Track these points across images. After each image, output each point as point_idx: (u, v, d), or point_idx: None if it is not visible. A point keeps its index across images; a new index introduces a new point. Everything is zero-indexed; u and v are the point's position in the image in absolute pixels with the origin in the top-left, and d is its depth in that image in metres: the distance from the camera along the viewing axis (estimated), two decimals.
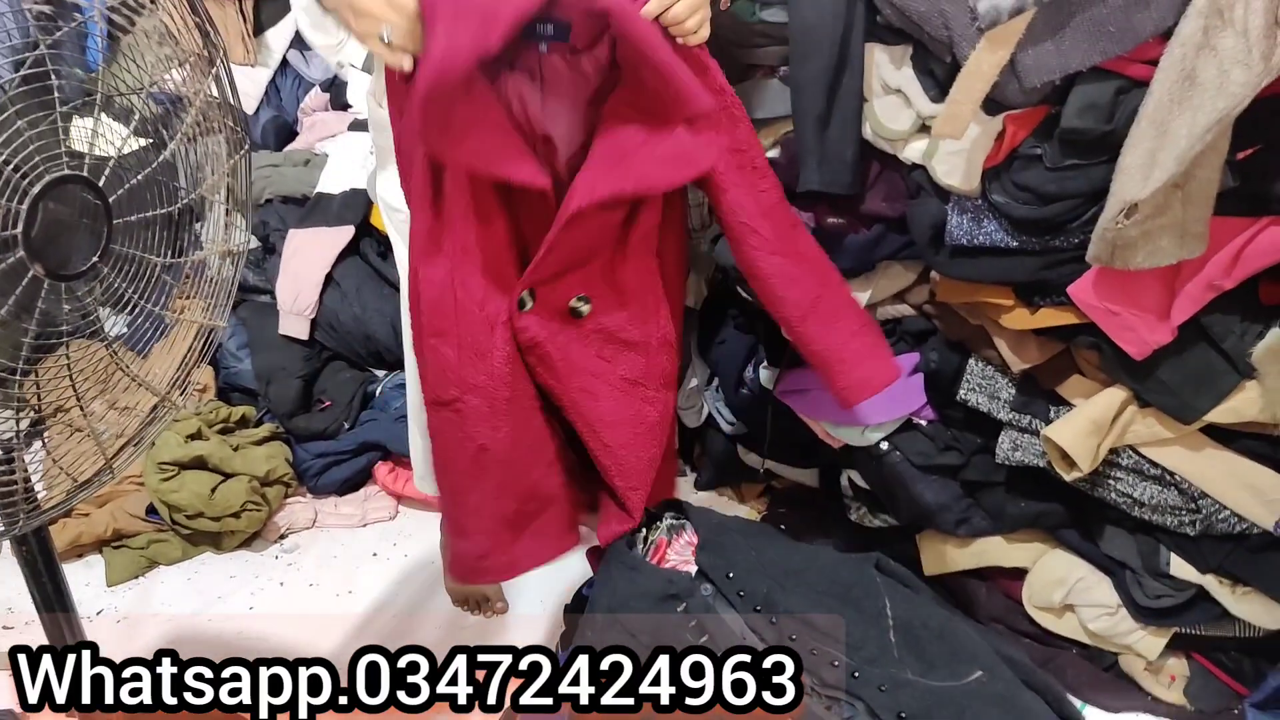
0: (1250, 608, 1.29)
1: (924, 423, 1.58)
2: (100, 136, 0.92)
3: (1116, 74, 1.13)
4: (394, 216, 1.46)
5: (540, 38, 1.03)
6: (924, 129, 1.37)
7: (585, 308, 1.14)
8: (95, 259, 0.92)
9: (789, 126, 1.50)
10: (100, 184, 0.91)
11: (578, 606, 1.27)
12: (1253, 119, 1.03)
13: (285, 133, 2.51)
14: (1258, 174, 1.09)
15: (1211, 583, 1.30)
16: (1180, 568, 1.31)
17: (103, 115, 0.93)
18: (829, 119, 1.41)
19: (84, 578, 1.80)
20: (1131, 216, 1.06)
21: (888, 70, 1.38)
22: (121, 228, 0.95)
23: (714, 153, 1.10)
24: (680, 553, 1.14)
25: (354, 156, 2.19)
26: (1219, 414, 1.20)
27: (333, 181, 2.17)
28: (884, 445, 1.61)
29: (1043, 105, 1.21)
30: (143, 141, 1.00)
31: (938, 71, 1.31)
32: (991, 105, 1.24)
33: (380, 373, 2.15)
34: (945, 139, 1.29)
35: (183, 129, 1.00)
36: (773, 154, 1.57)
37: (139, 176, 0.96)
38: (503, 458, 1.13)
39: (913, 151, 1.38)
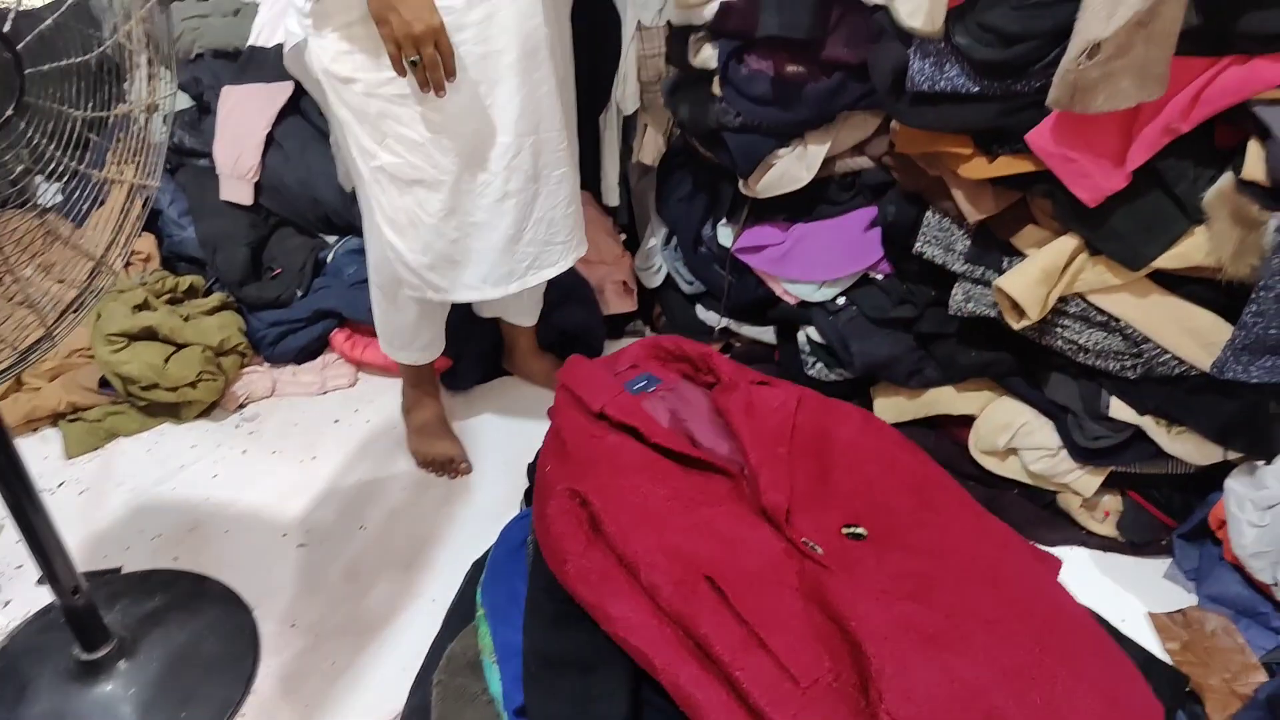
0: (1184, 446, 1.35)
1: (880, 277, 1.59)
2: None
3: None
4: (342, 90, 1.32)
5: None
6: None
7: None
8: (10, 112, 0.86)
9: None
10: (4, 30, 0.84)
11: None
12: None
13: None
14: (1221, 11, 1.07)
15: (1149, 423, 1.36)
16: (1120, 410, 1.36)
17: None
18: None
19: (41, 452, 1.79)
20: (1094, 57, 1.04)
21: None
22: (36, 79, 0.88)
23: None
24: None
25: (286, 4, 2.05)
26: (1167, 259, 1.21)
27: (266, 33, 2.04)
28: (840, 300, 1.63)
29: None
30: None
31: None
32: None
33: (331, 238, 2.10)
34: None
35: None
36: None
37: (48, 22, 0.89)
38: None
39: None
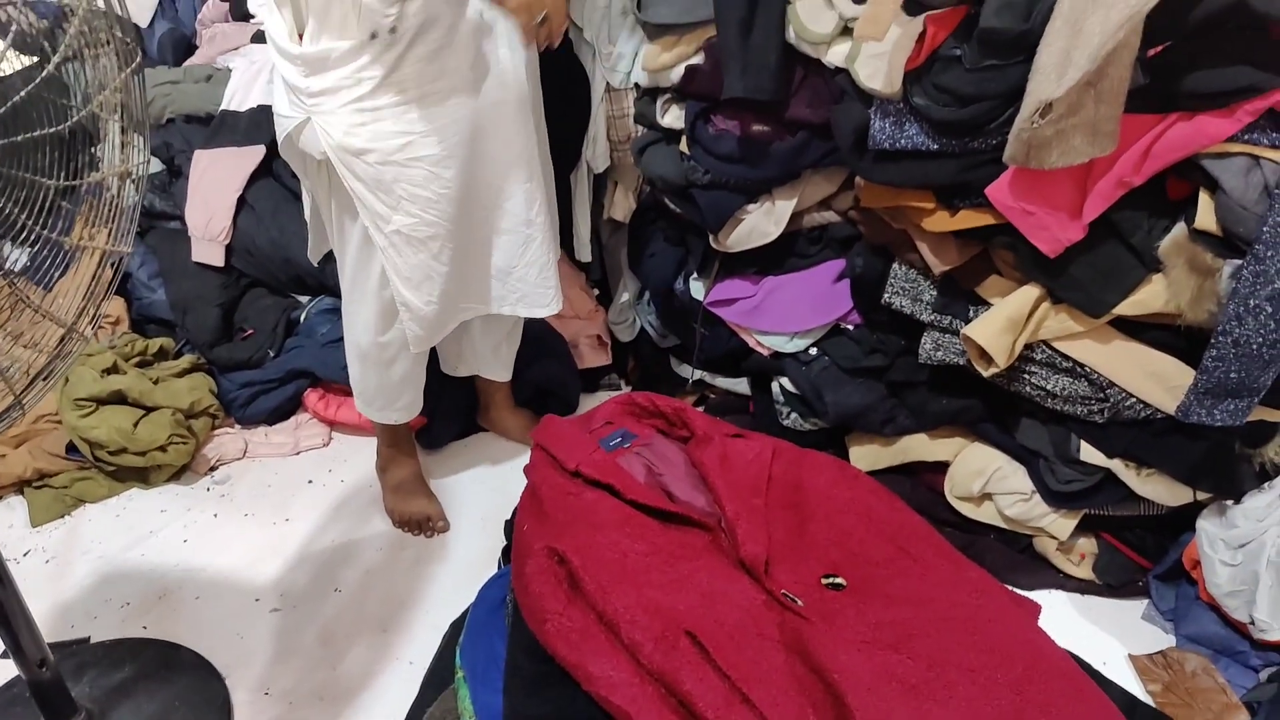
0: (1154, 488, 1.38)
1: (850, 328, 1.61)
2: None
3: None
4: (354, 162, 1.34)
5: None
6: (847, 32, 1.37)
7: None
8: None
9: (712, 32, 1.48)
10: None
11: None
12: (1163, 16, 1.04)
13: (183, 47, 2.36)
14: (1167, 71, 1.12)
15: (1118, 466, 1.38)
16: (1089, 453, 1.39)
17: None
18: (752, 23, 1.39)
19: (6, 520, 1.75)
20: (1046, 116, 1.08)
21: None
22: (8, 149, 0.89)
23: None
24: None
25: (260, 71, 2.08)
26: (1126, 307, 1.25)
27: (238, 98, 2.06)
28: (812, 351, 1.65)
29: (962, 5, 1.21)
30: (25, 60, 0.93)
31: None
32: (913, 6, 1.24)
33: (303, 298, 2.10)
34: (867, 41, 1.29)
35: (65, 40, 0.93)
36: (696, 60, 1.54)
37: (21, 94, 0.89)
38: None
39: (836, 55, 1.37)
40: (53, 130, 0.93)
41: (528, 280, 1.57)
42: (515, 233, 1.52)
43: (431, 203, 1.38)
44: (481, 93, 1.38)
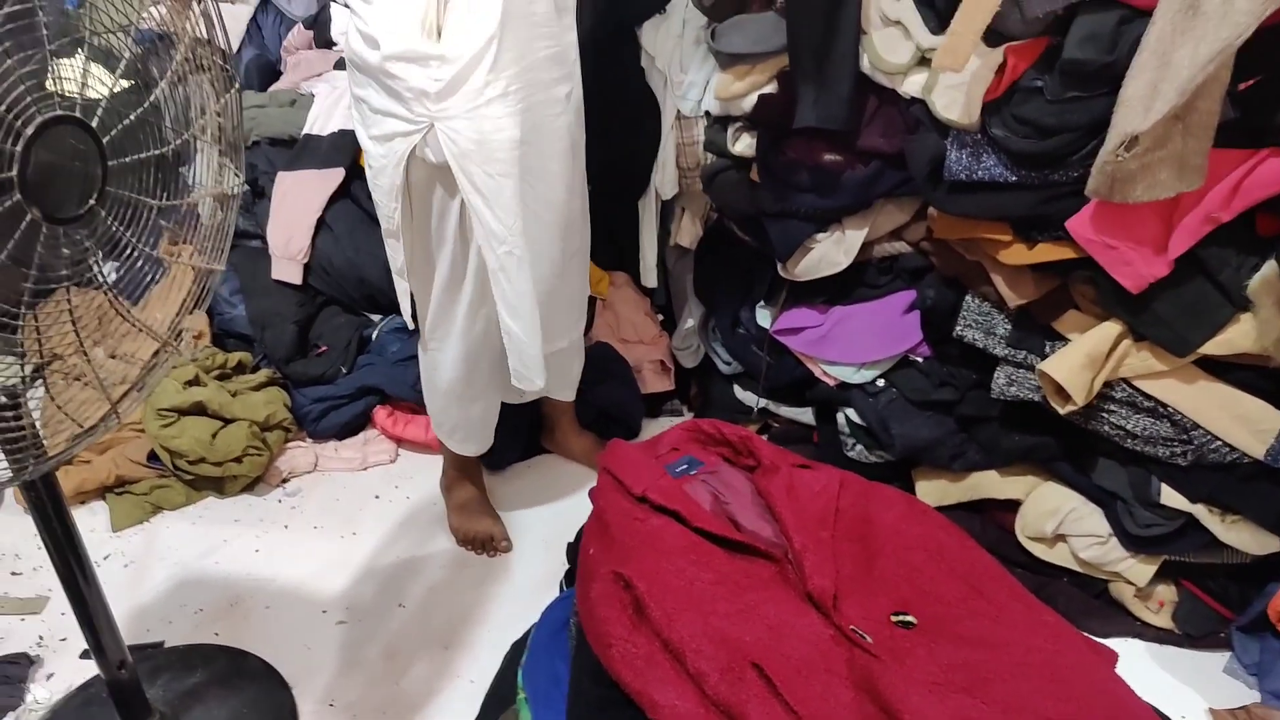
0: (1238, 535, 1.32)
1: (920, 359, 1.59)
2: (88, 77, 0.90)
3: (1119, 3, 1.12)
4: (475, 171, 1.33)
5: None
6: (923, 62, 1.36)
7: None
8: (92, 202, 0.91)
9: (785, 61, 1.48)
10: (93, 125, 0.89)
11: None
12: (1255, 49, 1.02)
13: (269, 72, 2.45)
14: (1258, 105, 1.09)
15: (1201, 511, 1.33)
16: (1171, 497, 1.34)
17: (86, 56, 0.91)
18: (826, 53, 1.40)
19: (89, 524, 1.82)
20: (1132, 149, 1.06)
21: (887, 1, 1.35)
22: (116, 170, 0.93)
23: None
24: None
25: (340, 96, 2.15)
26: (1213, 346, 1.21)
27: (320, 122, 2.13)
28: (880, 383, 1.63)
29: (1044, 36, 1.20)
30: (124, 84, 0.98)
31: (938, 2, 1.30)
32: (992, 36, 1.23)
33: (375, 316, 2.15)
34: (945, 72, 1.28)
35: (172, 67, 0.98)
36: (768, 89, 1.55)
37: (132, 117, 0.94)
38: None
39: (911, 85, 1.37)
40: (157, 152, 0.98)
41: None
42: (579, 255, 1.55)
43: (536, 219, 1.39)
44: (570, 109, 1.39)
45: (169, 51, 1.02)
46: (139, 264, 1.02)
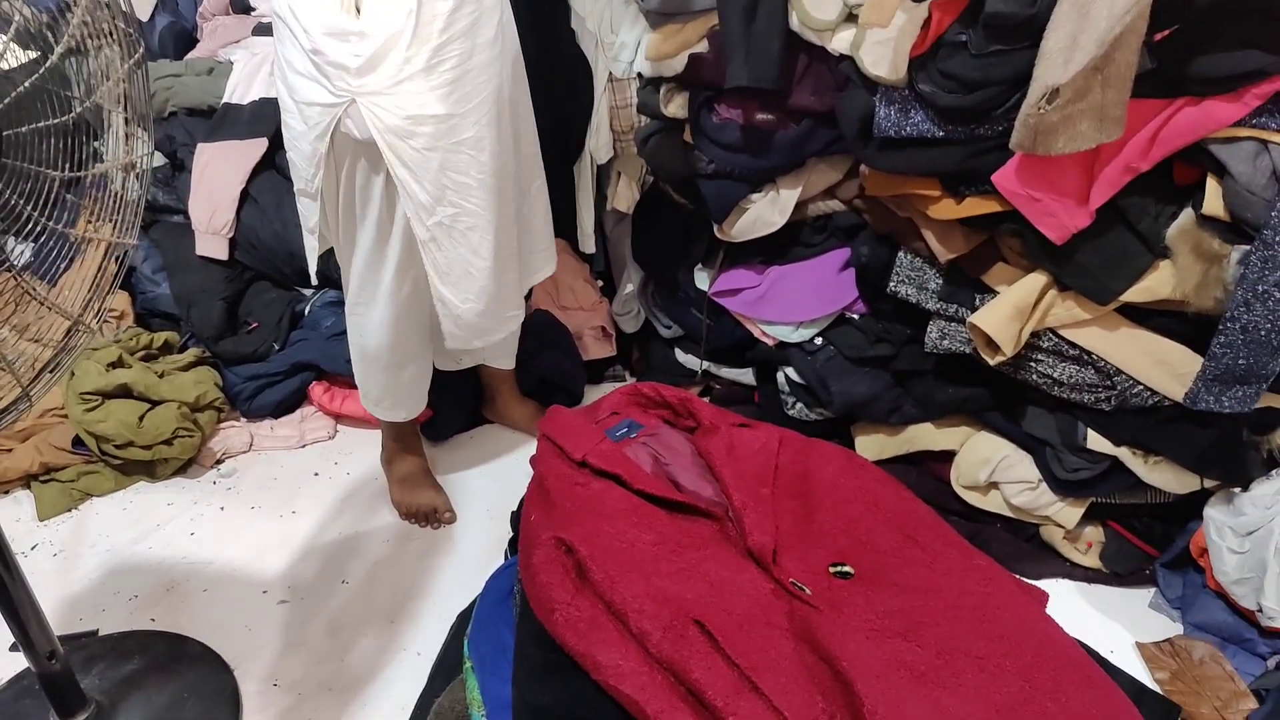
0: (1161, 475, 1.37)
1: (856, 316, 1.61)
2: None
3: None
4: (402, 146, 1.32)
5: None
6: (851, 18, 1.36)
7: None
8: None
9: (715, 20, 1.47)
10: None
11: None
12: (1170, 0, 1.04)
13: (185, 40, 2.35)
14: (1174, 55, 1.11)
15: (1125, 454, 1.38)
16: (1097, 441, 1.38)
17: None
18: (755, 11, 1.39)
19: (13, 514, 1.75)
20: (1053, 101, 1.07)
21: None
22: (12, 139, 0.89)
23: None
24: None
25: (261, 63, 2.07)
26: (1134, 294, 1.24)
27: (240, 91, 2.06)
28: (818, 340, 1.64)
29: None
30: (26, 54, 0.93)
31: None
32: None
33: (307, 291, 2.09)
34: (872, 28, 1.28)
35: (69, 31, 0.93)
36: (699, 49, 1.53)
37: (24, 85, 0.89)
38: None
39: (840, 42, 1.36)
40: (56, 121, 0.93)
41: (527, 249, 1.60)
42: (519, 206, 1.54)
43: (472, 190, 1.36)
44: (501, 73, 1.37)
45: (67, 16, 0.97)
46: (48, 241, 0.98)
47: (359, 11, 1.27)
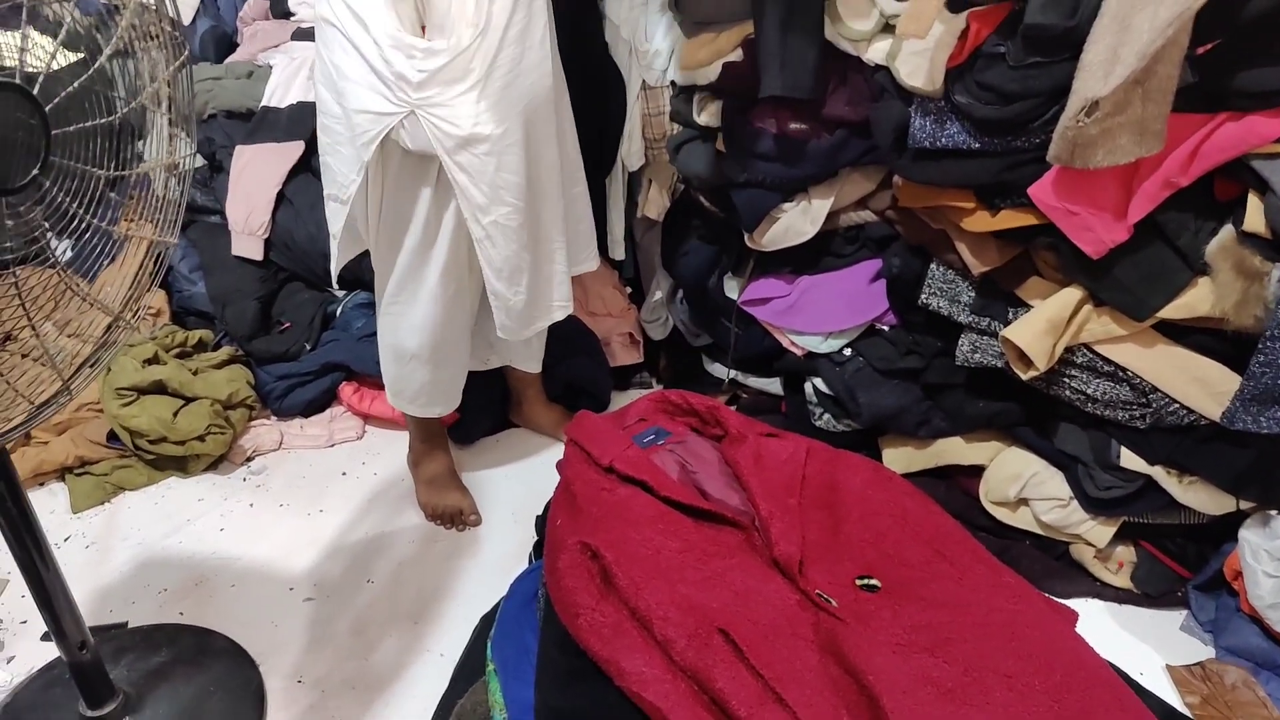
0: (1196, 496, 1.35)
1: (886, 328, 1.60)
2: (29, 51, 0.87)
3: None
4: (461, 154, 1.36)
5: None
6: (887, 29, 1.36)
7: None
8: (36, 171, 0.88)
9: (750, 28, 1.47)
10: (35, 92, 0.86)
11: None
12: (1213, 13, 1.02)
13: (225, 44, 2.40)
14: (1216, 69, 1.10)
15: (1160, 473, 1.35)
16: (1130, 460, 1.36)
17: (30, 27, 0.88)
18: (791, 20, 1.38)
19: (48, 505, 1.78)
20: (1092, 114, 1.06)
21: None
22: (60, 139, 0.91)
23: None
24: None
25: (300, 68, 2.10)
26: (1171, 310, 1.22)
27: (278, 94, 2.09)
28: (847, 351, 1.64)
29: (1006, 2, 1.20)
30: (72, 56, 0.95)
31: None
32: (955, 2, 1.22)
33: (340, 292, 2.12)
34: (909, 39, 1.27)
35: (117, 34, 0.95)
36: (733, 58, 1.54)
37: (73, 86, 0.91)
38: None
39: (876, 53, 1.36)
40: (102, 121, 0.95)
41: (573, 245, 1.63)
42: (565, 204, 1.58)
43: (522, 189, 1.41)
44: (550, 71, 1.42)
45: (115, 19, 0.99)
46: (91, 239, 1.00)
47: (424, 29, 1.32)
